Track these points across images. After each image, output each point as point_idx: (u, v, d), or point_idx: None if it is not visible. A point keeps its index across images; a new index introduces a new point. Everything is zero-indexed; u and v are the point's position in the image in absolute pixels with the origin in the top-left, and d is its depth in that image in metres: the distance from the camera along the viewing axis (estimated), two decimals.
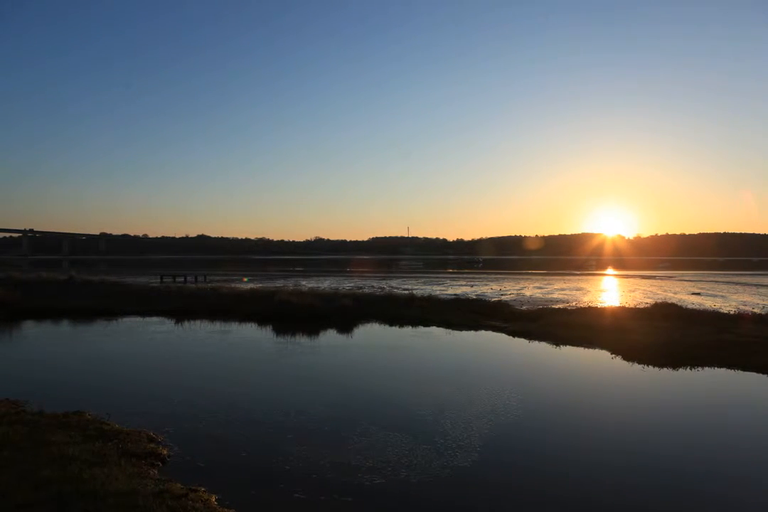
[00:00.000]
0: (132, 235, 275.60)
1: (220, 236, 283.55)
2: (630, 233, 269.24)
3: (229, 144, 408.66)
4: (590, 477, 6.77)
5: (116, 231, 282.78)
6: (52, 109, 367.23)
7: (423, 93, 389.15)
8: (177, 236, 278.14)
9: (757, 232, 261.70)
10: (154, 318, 22.38)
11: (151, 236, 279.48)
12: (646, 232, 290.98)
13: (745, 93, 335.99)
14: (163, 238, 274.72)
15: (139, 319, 22.20)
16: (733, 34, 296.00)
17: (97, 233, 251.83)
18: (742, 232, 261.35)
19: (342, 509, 5.80)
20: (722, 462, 7.36)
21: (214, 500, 5.80)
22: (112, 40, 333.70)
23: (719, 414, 9.86)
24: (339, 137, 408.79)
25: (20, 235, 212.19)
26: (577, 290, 37.18)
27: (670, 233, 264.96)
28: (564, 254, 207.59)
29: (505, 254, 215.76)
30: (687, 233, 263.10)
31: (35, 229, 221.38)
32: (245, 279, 30.25)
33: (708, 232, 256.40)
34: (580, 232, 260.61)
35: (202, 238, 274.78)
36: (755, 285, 45.37)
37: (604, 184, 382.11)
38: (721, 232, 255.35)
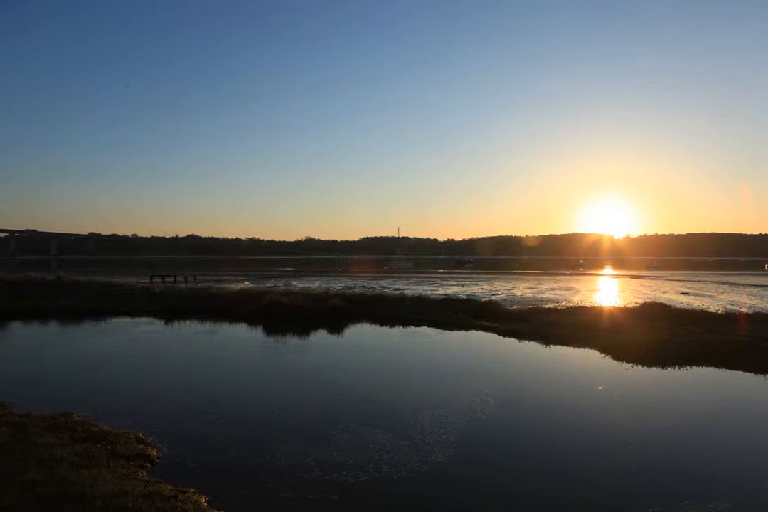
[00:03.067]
0: (121, 234, 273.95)
1: (210, 236, 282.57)
2: (621, 233, 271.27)
3: (219, 144, 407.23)
4: (564, 474, 6.88)
5: (105, 231, 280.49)
6: (41, 108, 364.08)
7: (415, 93, 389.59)
8: (167, 236, 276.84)
9: (745, 232, 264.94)
10: (144, 319, 22.25)
11: (140, 236, 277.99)
12: (636, 232, 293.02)
13: (746, 92, 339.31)
14: (152, 237, 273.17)
15: (128, 320, 22.05)
16: (735, 31, 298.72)
17: (86, 233, 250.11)
18: (731, 232, 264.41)
19: (328, 508, 5.84)
20: (706, 461, 7.42)
21: (203, 501, 5.77)
22: (108, 40, 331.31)
23: (706, 412, 9.93)
24: (330, 137, 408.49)
25: (7, 234, 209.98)
26: (567, 290, 37.36)
27: (659, 233, 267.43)
28: (555, 254, 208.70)
29: (495, 254, 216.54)
30: (676, 233, 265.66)
31: (23, 229, 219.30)
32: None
33: (697, 232, 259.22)
34: (570, 232, 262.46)
35: (191, 238, 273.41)
36: (742, 284, 45.80)
37: (594, 184, 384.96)
38: (710, 232, 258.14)
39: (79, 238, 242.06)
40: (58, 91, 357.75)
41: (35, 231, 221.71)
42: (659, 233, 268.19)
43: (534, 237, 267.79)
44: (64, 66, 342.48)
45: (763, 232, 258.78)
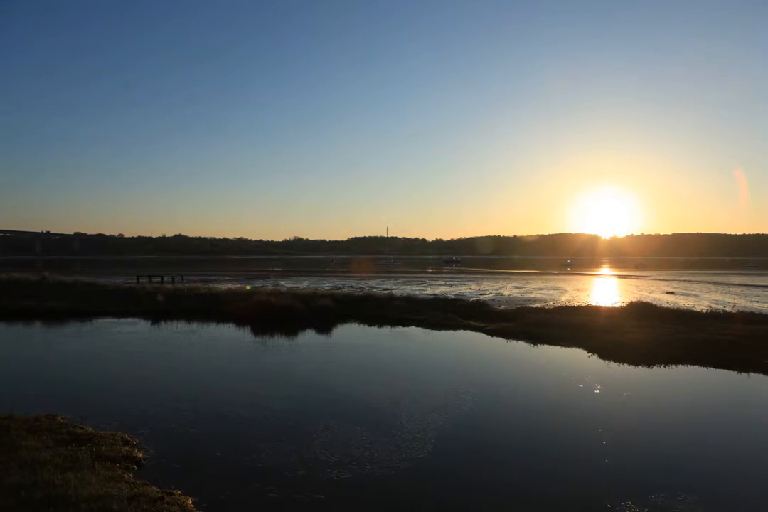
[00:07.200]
0: (107, 234, 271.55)
1: (197, 236, 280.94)
2: (608, 233, 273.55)
3: (207, 144, 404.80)
4: (541, 468, 6.99)
5: (91, 230, 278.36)
6: (29, 107, 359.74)
7: (410, 95, 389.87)
8: (153, 236, 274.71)
9: (730, 233, 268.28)
10: (130, 320, 22.05)
11: (127, 236, 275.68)
12: (624, 232, 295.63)
13: (745, 93, 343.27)
14: (139, 237, 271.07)
15: (114, 320, 21.84)
16: (736, 32, 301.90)
17: (71, 233, 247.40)
18: (717, 232, 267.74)
19: (315, 507, 5.86)
20: (685, 456, 7.49)
21: (190, 503, 5.73)
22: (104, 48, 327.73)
23: (688, 410, 10.05)
24: (320, 139, 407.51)
25: None
26: (554, 290, 37.55)
27: (646, 233, 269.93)
28: (543, 254, 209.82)
29: (484, 254, 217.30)
30: (662, 233, 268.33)
31: (7, 229, 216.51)
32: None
33: (683, 232, 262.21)
34: (559, 233, 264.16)
35: (179, 238, 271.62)
36: (726, 284, 46.33)
37: (585, 185, 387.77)
38: (695, 232, 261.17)
39: (64, 237, 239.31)
40: (45, 89, 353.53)
41: (19, 230, 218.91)
42: (645, 233, 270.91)
43: (523, 237, 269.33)
44: (57, 68, 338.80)
45: (747, 233, 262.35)
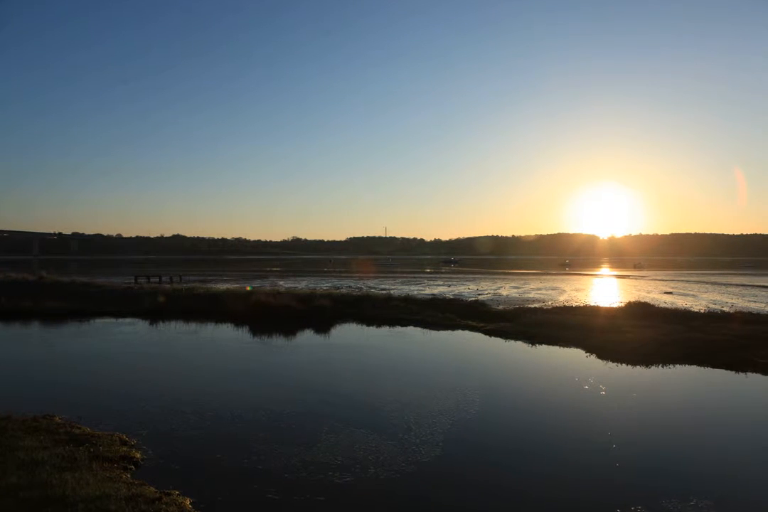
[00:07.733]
0: (105, 234, 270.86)
1: (195, 236, 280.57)
2: (607, 233, 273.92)
3: (204, 143, 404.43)
4: (549, 472, 6.94)
5: (89, 230, 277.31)
6: (24, 106, 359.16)
7: (407, 95, 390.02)
8: (151, 236, 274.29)
9: (729, 233, 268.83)
10: (128, 320, 22.02)
11: (125, 236, 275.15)
12: (622, 232, 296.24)
13: (746, 90, 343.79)
14: (137, 237, 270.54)
15: (112, 320, 21.81)
16: (739, 32, 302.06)
17: (69, 232, 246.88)
18: (714, 232, 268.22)
19: (316, 509, 5.82)
20: (687, 458, 7.52)
21: (188, 503, 5.73)
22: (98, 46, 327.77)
23: (689, 410, 10.07)
24: (318, 140, 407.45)
25: None
26: (553, 290, 37.58)
27: (643, 233, 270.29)
28: (542, 254, 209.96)
29: (482, 254, 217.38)
30: (660, 233, 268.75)
31: (4, 229, 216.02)
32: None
33: (681, 232, 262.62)
34: (557, 233, 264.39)
35: (177, 238, 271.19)
36: (724, 284, 46.41)
37: (583, 185, 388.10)
38: (693, 232, 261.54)
39: (61, 237, 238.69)
40: (40, 86, 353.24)
41: (16, 230, 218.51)
42: (644, 233, 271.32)
43: (521, 237, 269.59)
44: (61, 66, 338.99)
45: (746, 233, 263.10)
